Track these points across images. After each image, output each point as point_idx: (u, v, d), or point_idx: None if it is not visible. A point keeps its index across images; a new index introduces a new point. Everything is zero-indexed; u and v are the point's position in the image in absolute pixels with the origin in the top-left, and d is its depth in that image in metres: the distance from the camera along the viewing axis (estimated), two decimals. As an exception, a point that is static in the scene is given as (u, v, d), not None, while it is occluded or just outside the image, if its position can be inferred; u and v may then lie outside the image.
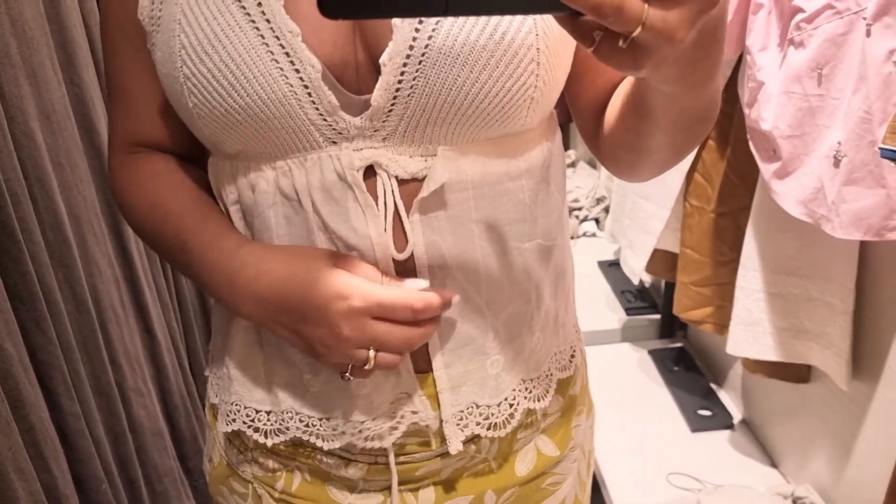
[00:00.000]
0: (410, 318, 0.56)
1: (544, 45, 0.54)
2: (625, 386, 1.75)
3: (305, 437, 0.65)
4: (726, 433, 1.57)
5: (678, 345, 1.87)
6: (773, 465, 1.48)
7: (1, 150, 0.89)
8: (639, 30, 0.38)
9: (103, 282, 1.12)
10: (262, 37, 0.52)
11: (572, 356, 0.74)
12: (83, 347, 1.07)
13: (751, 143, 1.21)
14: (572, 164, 2.77)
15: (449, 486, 0.69)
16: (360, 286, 0.55)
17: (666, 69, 0.43)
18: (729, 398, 1.67)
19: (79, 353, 1.04)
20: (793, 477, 1.42)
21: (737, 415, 1.61)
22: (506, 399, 0.66)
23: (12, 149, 0.92)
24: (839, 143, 1.03)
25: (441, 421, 0.64)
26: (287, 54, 0.52)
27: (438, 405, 0.64)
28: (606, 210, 2.45)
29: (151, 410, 1.25)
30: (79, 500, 1.02)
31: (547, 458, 0.73)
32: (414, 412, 0.64)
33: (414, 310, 0.56)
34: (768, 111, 1.14)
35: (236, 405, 0.67)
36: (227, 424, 0.68)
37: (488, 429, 0.66)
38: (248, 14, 0.52)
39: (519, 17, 0.53)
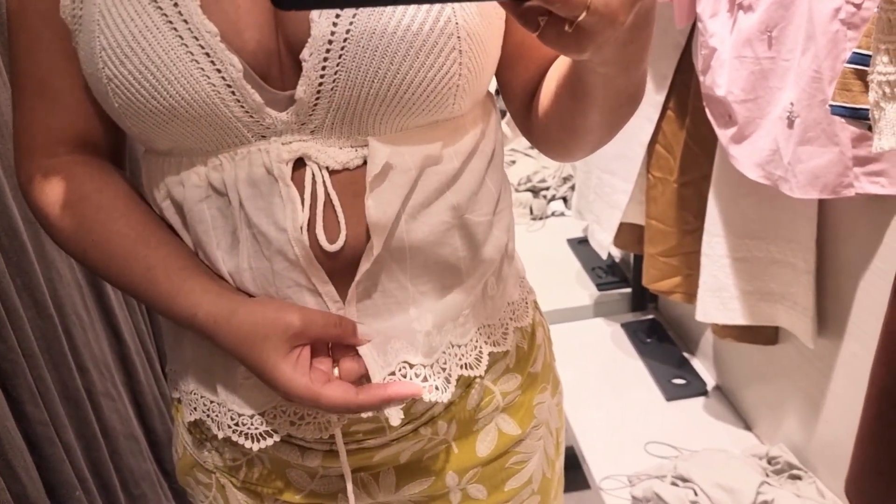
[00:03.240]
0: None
1: (465, 32, 0.54)
2: (599, 360, 1.76)
3: (234, 438, 0.65)
4: (700, 400, 1.59)
5: (650, 317, 1.88)
6: (748, 428, 1.51)
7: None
8: (584, 14, 0.40)
9: (64, 286, 1.10)
10: (181, 37, 0.52)
11: (526, 307, 0.75)
12: (47, 353, 1.05)
13: (707, 110, 1.22)
14: (537, 145, 2.78)
15: (408, 469, 0.70)
16: (333, 396, 0.57)
17: (605, 51, 0.45)
18: (702, 366, 1.69)
19: (42, 359, 1.02)
20: (767, 438, 1.45)
21: (710, 382, 1.64)
22: (437, 361, 0.64)
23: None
24: (791, 104, 1.04)
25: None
26: (207, 55, 0.52)
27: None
28: (573, 189, 2.46)
29: (124, 414, 1.23)
30: (52, 508, 1.01)
31: (508, 437, 0.73)
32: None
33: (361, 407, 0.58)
34: (722, 77, 1.15)
35: (194, 394, 0.67)
36: (190, 414, 0.68)
37: (443, 390, 0.64)
38: (166, 15, 0.52)
39: (437, 8, 0.53)
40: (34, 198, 0.64)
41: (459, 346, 0.66)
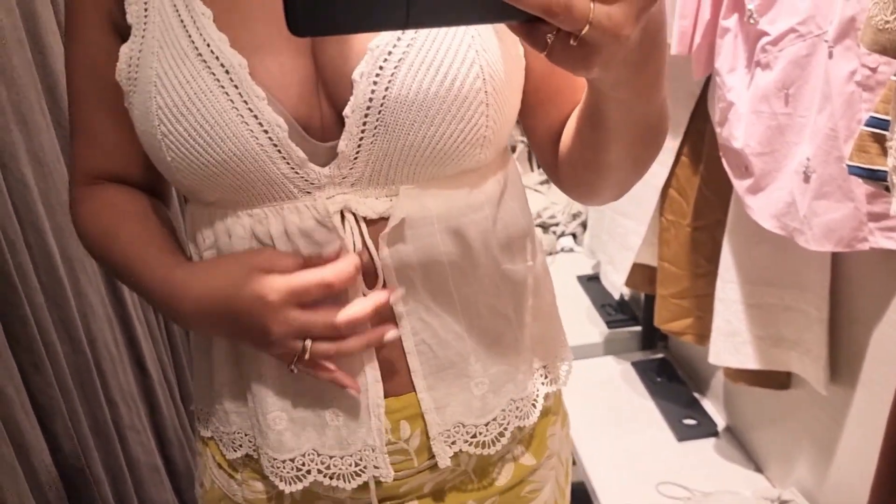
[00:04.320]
0: (329, 294, 0.60)
1: (491, 87, 0.59)
2: (610, 397, 1.78)
3: (272, 479, 0.68)
4: (711, 441, 1.61)
5: (660, 356, 1.91)
6: (759, 470, 1.52)
7: (-5, 195, 0.90)
8: (587, 27, 0.40)
9: (96, 320, 1.13)
10: (232, 101, 0.56)
11: (562, 369, 0.78)
12: (80, 387, 1.07)
13: (723, 161, 1.26)
14: (547, 182, 2.82)
15: (432, 499, 0.72)
16: (273, 282, 0.59)
17: (615, 70, 0.46)
18: (712, 406, 1.71)
19: (76, 392, 1.05)
20: (778, 481, 1.46)
21: (720, 422, 1.65)
22: (494, 419, 0.69)
23: (6, 194, 0.93)
24: (808, 159, 1.07)
25: (429, 438, 0.68)
26: (255, 116, 0.57)
27: (424, 423, 0.67)
28: (582, 225, 2.49)
29: (147, 446, 1.26)
30: (81, 540, 1.02)
31: (524, 468, 0.76)
32: (376, 467, 0.67)
33: (327, 284, 0.59)
34: (739, 129, 1.18)
35: (238, 434, 0.71)
36: (235, 451, 0.71)
37: (476, 447, 0.69)
38: (218, 80, 0.57)
39: (466, 66, 0.57)
40: (74, 214, 0.72)
41: (521, 399, 0.71)
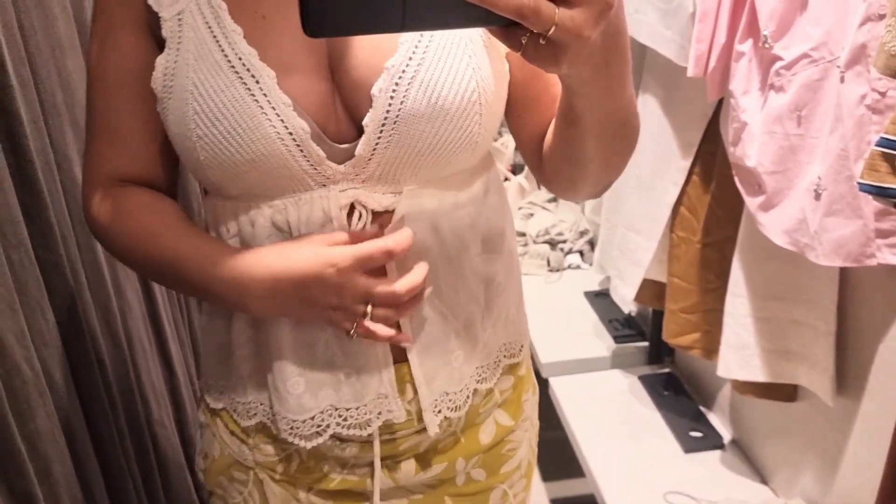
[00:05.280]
0: (389, 260, 0.69)
1: (484, 100, 0.69)
2: (618, 411, 1.82)
3: (290, 439, 0.76)
4: (717, 453, 1.65)
5: (666, 370, 1.95)
6: (764, 481, 1.56)
7: (52, 193, 0.95)
8: (553, 29, 0.48)
9: (133, 318, 1.17)
10: (261, 108, 0.65)
11: (521, 348, 0.88)
12: (118, 384, 1.11)
13: (736, 179, 1.31)
14: (555, 199, 2.88)
15: (426, 457, 0.82)
16: (341, 251, 0.67)
17: (580, 67, 0.54)
18: (718, 420, 1.75)
19: (115, 387, 1.09)
20: (783, 493, 1.50)
21: (726, 435, 1.70)
22: (466, 386, 0.80)
23: (62, 193, 0.97)
24: (819, 178, 1.13)
25: (420, 408, 0.77)
26: (282, 121, 0.65)
27: (416, 392, 0.77)
28: (589, 243, 2.55)
29: (174, 443, 1.29)
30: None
31: (504, 428, 0.87)
32: (389, 411, 0.76)
33: (388, 251, 0.67)
34: (752, 149, 1.24)
35: (252, 403, 0.78)
36: (250, 419, 0.79)
37: (452, 411, 0.79)
38: (249, 89, 0.65)
39: (465, 82, 0.67)
40: (96, 215, 0.76)
41: (483, 367, 0.82)
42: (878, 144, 0.94)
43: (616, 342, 2.05)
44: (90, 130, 0.75)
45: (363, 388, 0.75)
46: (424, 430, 0.79)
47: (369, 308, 0.69)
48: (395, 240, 0.67)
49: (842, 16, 1.07)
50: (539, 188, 3.08)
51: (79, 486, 0.93)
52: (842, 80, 1.07)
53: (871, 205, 1.07)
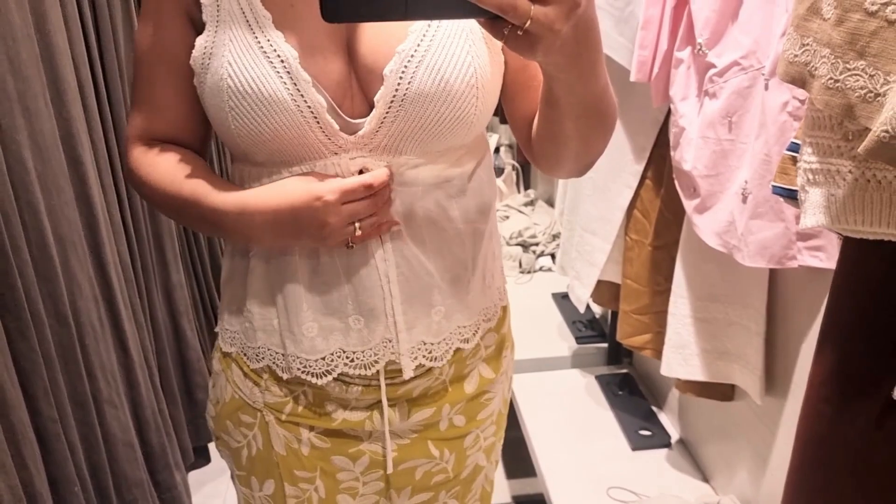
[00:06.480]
0: (369, 193, 0.77)
1: (481, 83, 0.78)
2: (572, 409, 1.86)
3: (303, 377, 0.86)
4: (664, 451, 1.68)
5: (624, 371, 1.99)
6: (706, 480, 1.60)
7: (-3, 174, 0.99)
8: (529, 22, 0.57)
9: (83, 298, 1.21)
10: (285, 84, 0.74)
11: (502, 310, 0.97)
12: (62, 358, 1.15)
13: (676, 182, 1.35)
14: (531, 203, 2.91)
15: (417, 401, 0.91)
16: (328, 185, 0.76)
17: (555, 56, 0.62)
18: (668, 420, 1.79)
19: (58, 362, 1.13)
20: (722, 490, 1.54)
21: (675, 434, 1.73)
22: (444, 339, 0.88)
23: (6, 173, 1.02)
24: (746, 182, 1.17)
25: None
26: (302, 96, 0.74)
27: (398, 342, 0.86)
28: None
29: (124, 423, 1.33)
30: (52, 500, 1.09)
31: (485, 380, 0.96)
32: (392, 353, 0.86)
33: (368, 185, 0.77)
34: (689, 153, 1.28)
35: (262, 348, 0.87)
36: (258, 362, 0.88)
37: (430, 360, 0.87)
38: (275, 68, 0.74)
39: (465, 67, 0.76)
40: (135, 166, 0.86)
41: (465, 326, 0.90)
42: (789, 149, 0.98)
43: (577, 342, 2.08)
44: (134, 98, 0.86)
45: (370, 333, 0.84)
46: (418, 377, 0.88)
47: (357, 225, 0.78)
48: (374, 175, 0.77)
49: (768, 25, 1.11)
50: (518, 192, 3.12)
51: (9, 454, 0.97)
52: (766, 87, 1.11)
53: (792, 208, 1.10)
